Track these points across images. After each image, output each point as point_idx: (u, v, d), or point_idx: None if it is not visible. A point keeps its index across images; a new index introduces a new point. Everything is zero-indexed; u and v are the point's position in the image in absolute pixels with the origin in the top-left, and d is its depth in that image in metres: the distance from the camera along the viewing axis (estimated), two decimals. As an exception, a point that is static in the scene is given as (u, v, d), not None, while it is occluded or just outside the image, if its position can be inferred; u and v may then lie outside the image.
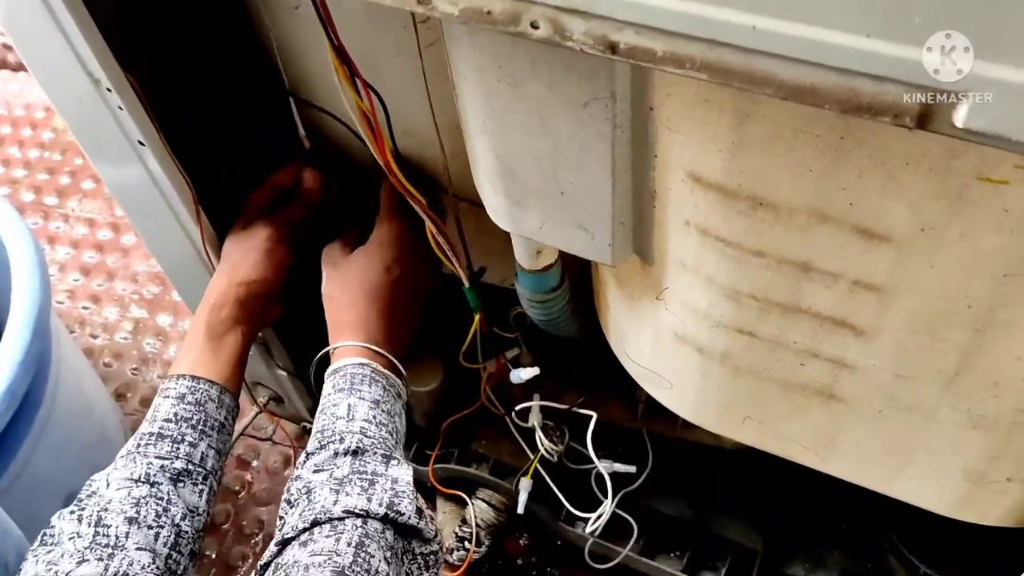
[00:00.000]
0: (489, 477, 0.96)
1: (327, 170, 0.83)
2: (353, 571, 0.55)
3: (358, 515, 0.59)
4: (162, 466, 0.64)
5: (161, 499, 0.63)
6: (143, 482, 0.63)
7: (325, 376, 0.72)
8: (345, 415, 0.66)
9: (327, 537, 0.57)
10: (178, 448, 0.66)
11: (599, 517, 0.83)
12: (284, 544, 0.59)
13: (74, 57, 0.61)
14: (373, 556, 0.56)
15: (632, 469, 0.85)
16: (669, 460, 0.92)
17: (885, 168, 0.40)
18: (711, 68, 0.37)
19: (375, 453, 0.64)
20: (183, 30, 0.71)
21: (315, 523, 0.59)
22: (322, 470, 0.63)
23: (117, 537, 0.59)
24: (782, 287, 0.51)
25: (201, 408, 0.68)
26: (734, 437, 0.67)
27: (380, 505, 0.60)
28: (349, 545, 0.56)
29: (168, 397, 0.68)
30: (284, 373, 0.99)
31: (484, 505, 0.98)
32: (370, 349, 0.71)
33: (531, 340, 0.88)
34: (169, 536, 0.62)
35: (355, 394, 0.68)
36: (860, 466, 0.62)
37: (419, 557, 0.62)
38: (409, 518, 0.61)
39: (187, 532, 0.63)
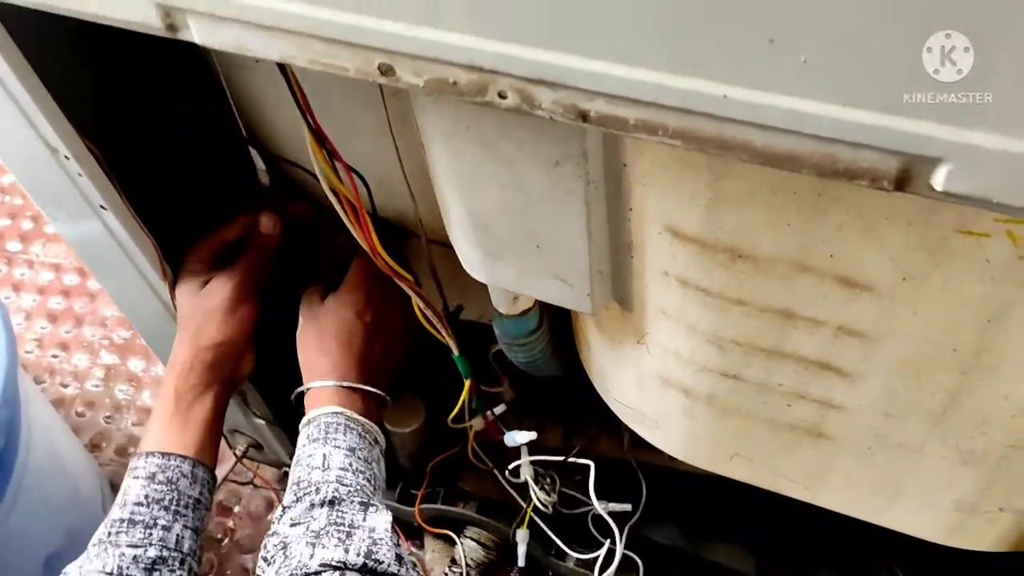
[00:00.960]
0: (477, 516, 0.95)
1: (283, 209, 0.80)
2: None
3: (335, 567, 0.58)
4: (135, 556, 0.62)
5: None
6: None
7: (300, 427, 0.70)
8: (320, 465, 0.64)
9: None
10: (151, 534, 0.63)
11: (610, 558, 0.81)
12: None
13: (29, 127, 0.59)
14: None
15: (628, 507, 0.84)
16: (658, 488, 0.91)
17: (864, 222, 0.40)
18: (684, 136, 0.36)
19: (352, 501, 0.63)
20: (142, 90, 0.70)
21: None
22: (299, 523, 0.62)
23: None
24: (765, 334, 0.50)
25: (173, 487, 0.66)
26: (723, 473, 0.67)
27: (358, 555, 0.59)
28: None
29: (137, 478, 0.65)
30: (262, 421, 0.97)
31: (473, 544, 0.96)
32: (345, 391, 0.70)
33: (510, 373, 0.87)
34: None
35: (330, 443, 0.66)
36: (851, 499, 0.62)
37: None
38: (388, 566, 0.60)
39: None
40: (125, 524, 0.63)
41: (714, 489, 0.92)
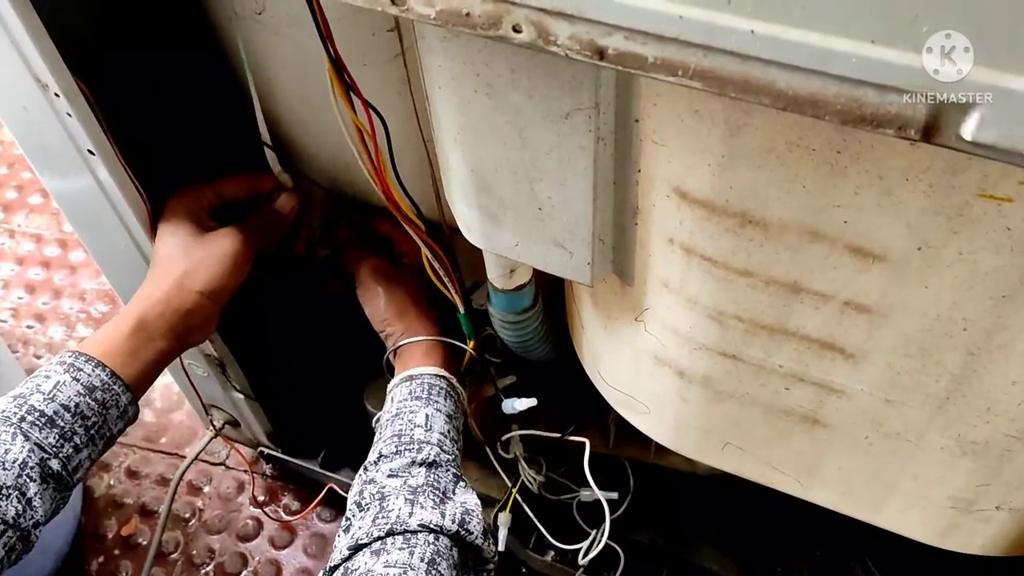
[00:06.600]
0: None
1: (302, 196, 0.78)
2: None
3: (432, 530, 0.59)
4: (41, 459, 0.57)
5: (22, 497, 0.55)
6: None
7: (394, 383, 0.71)
8: (423, 424, 0.66)
9: (400, 549, 0.57)
10: (62, 447, 0.58)
11: (590, 547, 0.79)
12: (356, 549, 0.59)
13: (19, 59, 0.58)
14: (443, 575, 0.57)
15: (615, 496, 0.82)
16: (642, 486, 0.89)
17: (883, 184, 0.39)
18: (705, 76, 0.34)
19: (448, 470, 0.64)
20: (139, 34, 0.68)
21: (390, 533, 0.58)
22: (397, 476, 0.63)
23: None
24: (769, 308, 0.49)
25: (104, 413, 0.61)
26: (713, 464, 0.65)
27: (453, 522, 0.60)
28: (422, 561, 0.57)
29: (78, 380, 0.60)
30: (241, 396, 0.95)
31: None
32: (445, 354, 0.72)
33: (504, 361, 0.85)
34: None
35: (432, 404, 0.67)
36: (843, 495, 0.60)
37: (471, 572, 0.63)
38: (476, 538, 0.61)
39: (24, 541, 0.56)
40: (43, 419, 0.58)
41: (698, 490, 0.90)
